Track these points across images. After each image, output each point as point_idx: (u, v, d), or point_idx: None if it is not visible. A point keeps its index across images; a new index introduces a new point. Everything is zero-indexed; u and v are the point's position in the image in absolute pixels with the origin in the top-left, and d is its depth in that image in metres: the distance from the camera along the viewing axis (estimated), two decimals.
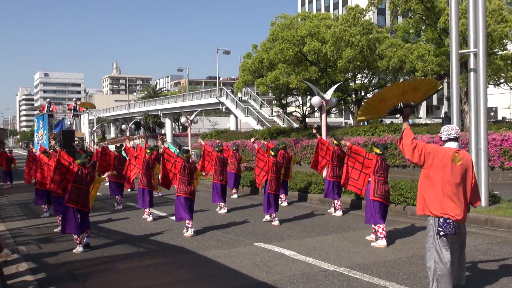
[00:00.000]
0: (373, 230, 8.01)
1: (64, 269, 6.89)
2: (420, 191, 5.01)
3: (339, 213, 10.87)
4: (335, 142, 11.14)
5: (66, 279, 6.42)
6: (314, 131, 12.64)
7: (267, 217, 10.27)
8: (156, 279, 6.28)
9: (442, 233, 4.77)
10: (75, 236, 7.89)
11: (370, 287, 5.63)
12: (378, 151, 7.98)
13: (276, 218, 9.91)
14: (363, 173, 8.54)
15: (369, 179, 8.12)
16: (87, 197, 7.99)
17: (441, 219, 4.79)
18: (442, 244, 4.83)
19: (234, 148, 14.53)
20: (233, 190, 14.67)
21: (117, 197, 13.05)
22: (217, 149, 12.41)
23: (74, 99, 27.55)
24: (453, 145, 4.97)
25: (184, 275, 6.60)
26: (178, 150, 13.25)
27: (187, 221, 8.96)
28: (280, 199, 11.47)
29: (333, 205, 11.13)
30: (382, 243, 7.68)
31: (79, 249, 7.83)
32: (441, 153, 4.86)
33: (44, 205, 11.69)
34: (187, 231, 8.95)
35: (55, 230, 9.75)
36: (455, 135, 4.99)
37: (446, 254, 4.82)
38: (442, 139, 5.05)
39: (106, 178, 14.23)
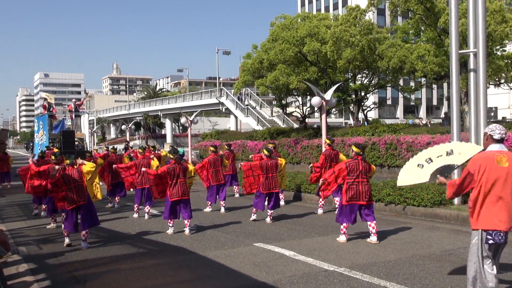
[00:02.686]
0: (370, 228, 8.00)
1: (64, 270, 6.90)
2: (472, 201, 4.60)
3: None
4: (328, 142, 11.12)
5: (66, 280, 6.43)
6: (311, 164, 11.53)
7: (253, 216, 10.34)
8: (156, 280, 6.29)
9: (490, 241, 4.39)
10: (65, 231, 8.24)
11: (370, 287, 5.64)
12: (356, 149, 8.01)
13: (270, 216, 10.02)
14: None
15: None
16: (82, 189, 8.10)
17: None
18: (485, 254, 4.47)
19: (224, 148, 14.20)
20: (235, 189, 14.69)
21: (110, 197, 13.08)
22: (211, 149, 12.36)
23: (73, 100, 27.42)
24: (495, 147, 4.54)
25: (184, 275, 6.61)
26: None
27: (185, 221, 9.08)
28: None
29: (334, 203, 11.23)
30: (374, 239, 7.84)
31: (66, 240, 8.19)
32: (482, 158, 4.51)
33: (44, 205, 11.69)
34: (185, 231, 9.11)
35: (48, 227, 10.19)
36: (499, 136, 4.53)
37: (489, 267, 4.47)
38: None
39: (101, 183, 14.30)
